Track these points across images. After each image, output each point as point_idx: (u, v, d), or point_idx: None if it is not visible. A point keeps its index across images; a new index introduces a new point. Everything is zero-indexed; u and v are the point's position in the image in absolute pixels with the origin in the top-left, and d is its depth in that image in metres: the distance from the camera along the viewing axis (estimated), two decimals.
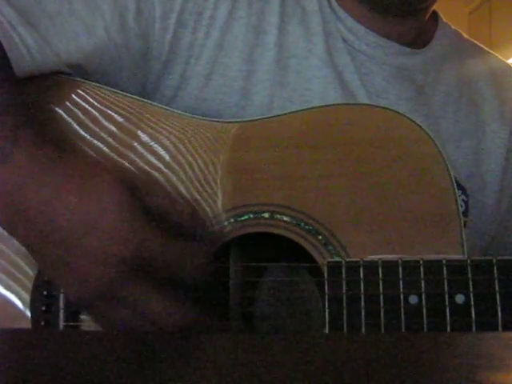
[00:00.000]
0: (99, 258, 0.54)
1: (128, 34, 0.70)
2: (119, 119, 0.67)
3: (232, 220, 0.65)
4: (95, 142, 0.66)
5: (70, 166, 0.57)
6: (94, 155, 0.65)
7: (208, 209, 0.65)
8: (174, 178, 0.65)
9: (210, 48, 0.73)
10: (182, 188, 0.65)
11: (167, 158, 0.66)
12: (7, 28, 0.63)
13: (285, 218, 0.64)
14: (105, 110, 0.67)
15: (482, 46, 0.90)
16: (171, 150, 0.66)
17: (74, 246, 0.54)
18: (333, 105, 0.68)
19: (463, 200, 0.78)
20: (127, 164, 0.65)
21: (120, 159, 0.65)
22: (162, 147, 0.66)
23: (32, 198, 0.54)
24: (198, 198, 0.65)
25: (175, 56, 0.72)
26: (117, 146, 0.66)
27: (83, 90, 0.68)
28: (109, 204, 0.54)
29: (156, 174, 0.65)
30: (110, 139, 0.66)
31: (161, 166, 0.66)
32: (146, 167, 0.65)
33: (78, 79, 0.68)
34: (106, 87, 0.68)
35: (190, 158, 0.66)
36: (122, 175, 0.57)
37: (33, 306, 0.64)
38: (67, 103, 0.67)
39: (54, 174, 0.55)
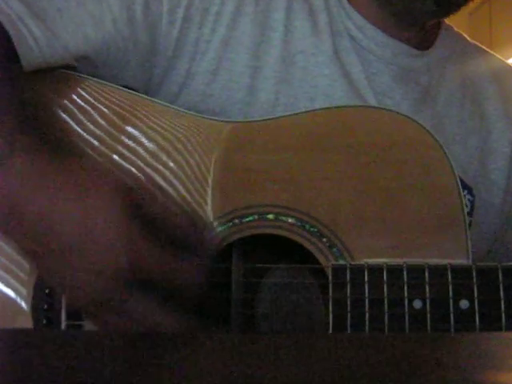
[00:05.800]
0: (94, 267, 0.53)
1: (135, 27, 0.69)
2: (116, 118, 0.66)
3: (236, 221, 0.65)
4: (90, 141, 0.65)
5: (67, 171, 0.56)
6: (91, 158, 0.65)
7: (208, 211, 0.65)
8: (171, 180, 0.65)
9: (216, 44, 0.73)
10: (180, 189, 0.65)
11: (164, 158, 0.65)
12: (15, 20, 0.63)
13: (289, 220, 0.64)
14: (102, 108, 0.66)
15: (484, 47, 0.90)
16: (169, 151, 0.66)
17: (69, 253, 0.54)
18: (338, 107, 0.68)
19: (469, 200, 0.78)
20: (124, 166, 0.65)
21: (117, 161, 0.65)
22: (159, 147, 0.66)
23: (29, 204, 0.54)
24: (198, 199, 0.65)
25: (181, 51, 0.72)
26: (114, 146, 0.66)
27: (83, 88, 0.67)
28: (105, 213, 0.54)
29: (153, 175, 0.65)
30: (106, 139, 0.66)
31: (158, 166, 0.65)
32: (144, 169, 0.65)
33: (78, 75, 0.68)
34: (105, 82, 0.68)
35: (189, 158, 0.66)
36: (120, 182, 0.57)
37: (34, 305, 0.64)
38: (66, 102, 0.67)
39: (51, 179, 0.54)
